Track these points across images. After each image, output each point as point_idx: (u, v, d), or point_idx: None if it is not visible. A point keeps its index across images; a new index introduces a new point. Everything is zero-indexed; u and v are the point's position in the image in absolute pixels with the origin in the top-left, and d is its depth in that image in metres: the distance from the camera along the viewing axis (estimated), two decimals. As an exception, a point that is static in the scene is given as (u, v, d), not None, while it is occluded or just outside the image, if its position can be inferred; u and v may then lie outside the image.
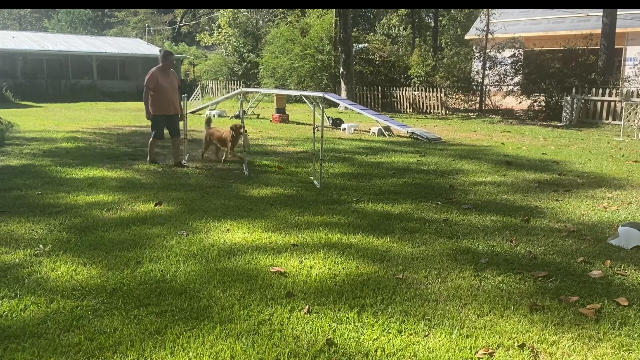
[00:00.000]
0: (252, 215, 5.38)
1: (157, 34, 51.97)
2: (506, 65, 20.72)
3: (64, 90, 27.90)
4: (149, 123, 8.47)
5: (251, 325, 3.06)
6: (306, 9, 29.28)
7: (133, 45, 34.68)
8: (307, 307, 3.29)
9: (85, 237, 4.57)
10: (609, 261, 4.22)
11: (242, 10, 34.15)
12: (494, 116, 20.05)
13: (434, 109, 21.62)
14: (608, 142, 12.31)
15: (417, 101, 22.19)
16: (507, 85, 20.56)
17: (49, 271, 3.80)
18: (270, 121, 16.64)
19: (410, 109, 22.37)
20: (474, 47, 22.50)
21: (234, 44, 33.93)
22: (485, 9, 22.09)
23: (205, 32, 41.72)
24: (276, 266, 3.96)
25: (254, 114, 18.57)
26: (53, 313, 3.17)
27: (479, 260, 4.18)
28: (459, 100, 22.79)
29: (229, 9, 34.26)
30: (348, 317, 3.18)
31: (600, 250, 4.53)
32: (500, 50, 20.84)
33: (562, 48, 19.54)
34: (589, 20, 21.68)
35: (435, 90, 21.65)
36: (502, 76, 20.72)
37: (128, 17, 55.10)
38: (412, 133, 12.61)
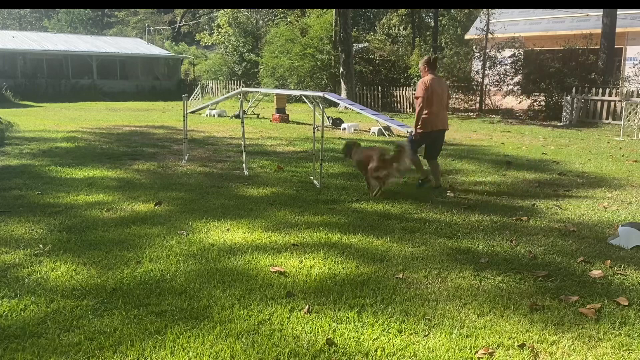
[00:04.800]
0: (252, 215, 5.38)
1: (157, 34, 51.96)
2: (506, 65, 20.71)
3: (64, 90, 27.89)
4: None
5: (251, 325, 3.06)
6: (306, 9, 29.27)
7: (133, 45, 34.68)
8: (307, 307, 3.29)
9: (85, 237, 4.57)
10: (609, 261, 4.22)
11: (242, 10, 34.14)
12: (494, 116, 20.04)
13: (434, 108, 21.58)
14: (608, 142, 12.31)
15: (417, 101, 22.16)
16: (507, 85, 20.56)
17: (49, 271, 3.79)
18: (270, 121, 16.64)
19: (410, 108, 22.35)
20: (474, 47, 22.49)
21: (234, 43, 33.92)
22: (485, 9, 22.08)
23: (205, 31, 41.71)
24: (276, 266, 3.96)
25: (254, 114, 18.56)
26: (53, 313, 3.18)
27: (479, 260, 4.18)
28: (459, 100, 22.78)
29: (229, 9, 34.24)
30: (348, 317, 3.18)
31: (600, 250, 4.53)
32: (500, 50, 20.83)
33: (562, 48, 19.54)
34: (589, 20, 21.67)
35: (435, 90, 21.60)
36: (502, 76, 20.71)
37: (128, 17, 55.08)
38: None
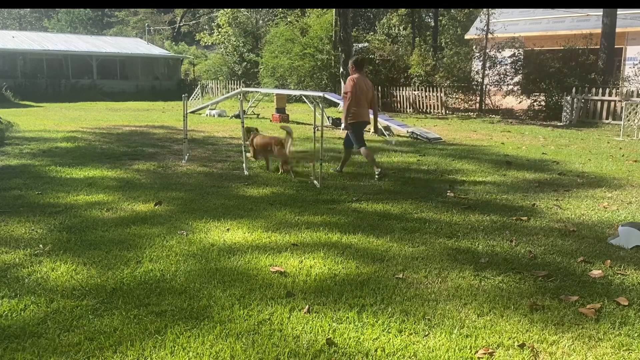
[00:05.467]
0: (252, 215, 5.38)
1: (157, 34, 51.96)
2: (506, 65, 20.70)
3: (64, 90, 27.88)
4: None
5: (251, 325, 3.06)
6: (306, 9, 29.28)
7: (133, 45, 34.68)
8: (307, 306, 3.29)
9: (85, 237, 4.57)
10: (609, 261, 4.22)
11: (242, 10, 34.15)
12: (494, 116, 20.05)
13: (434, 108, 21.62)
14: (608, 142, 12.31)
15: (417, 101, 22.19)
16: (507, 85, 20.56)
17: (49, 271, 3.80)
18: (270, 121, 16.64)
19: (410, 108, 22.36)
20: (474, 47, 22.49)
21: (234, 43, 33.93)
22: (485, 9, 22.08)
23: (205, 31, 41.72)
24: (276, 266, 3.96)
25: (254, 114, 18.57)
26: (53, 313, 3.18)
27: (479, 260, 4.18)
28: (459, 100, 22.77)
29: (229, 9, 34.26)
30: (348, 317, 3.18)
31: (600, 250, 4.53)
32: (500, 50, 20.83)
33: (562, 48, 19.54)
34: (589, 20, 21.67)
35: (435, 90, 21.64)
36: (502, 76, 20.71)
37: (128, 17, 55.08)
38: (412, 133, 12.61)
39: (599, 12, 19.47)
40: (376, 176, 7.34)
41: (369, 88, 7.63)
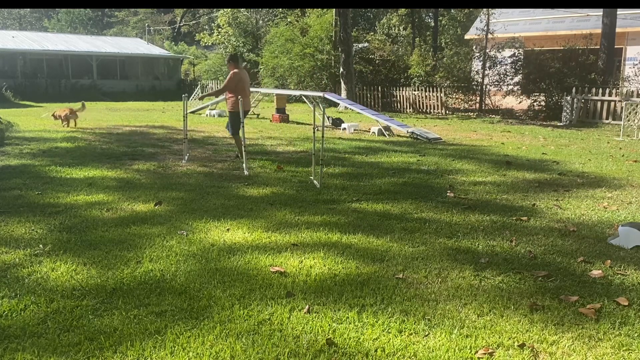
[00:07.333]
0: (252, 215, 5.38)
1: (157, 34, 51.95)
2: (506, 65, 20.71)
3: (64, 90, 27.87)
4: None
5: (251, 325, 3.06)
6: (306, 9, 29.28)
7: (133, 45, 34.68)
8: (307, 306, 3.29)
9: (85, 237, 4.57)
10: (609, 261, 4.22)
11: (242, 10, 34.15)
12: (494, 116, 20.05)
13: (434, 108, 21.62)
14: (608, 142, 12.31)
15: (417, 101, 22.19)
16: (507, 85, 20.56)
17: (49, 271, 3.80)
18: (270, 121, 16.64)
19: (410, 108, 22.37)
20: (474, 47, 22.49)
21: (234, 43, 33.93)
22: (485, 9, 22.08)
23: (205, 31, 41.71)
24: (276, 266, 3.96)
25: (254, 114, 18.55)
26: (53, 313, 3.18)
27: (479, 260, 4.18)
28: (459, 100, 22.77)
29: (229, 9, 34.26)
30: (348, 317, 3.18)
31: (600, 250, 4.53)
32: (500, 50, 20.83)
33: (562, 48, 19.54)
34: (589, 20, 21.68)
35: (435, 90, 21.64)
36: (502, 76, 20.71)
37: (128, 17, 55.08)
38: (412, 133, 12.61)
39: (599, 12, 19.48)
40: (236, 155, 8.81)
41: (248, 79, 8.81)
